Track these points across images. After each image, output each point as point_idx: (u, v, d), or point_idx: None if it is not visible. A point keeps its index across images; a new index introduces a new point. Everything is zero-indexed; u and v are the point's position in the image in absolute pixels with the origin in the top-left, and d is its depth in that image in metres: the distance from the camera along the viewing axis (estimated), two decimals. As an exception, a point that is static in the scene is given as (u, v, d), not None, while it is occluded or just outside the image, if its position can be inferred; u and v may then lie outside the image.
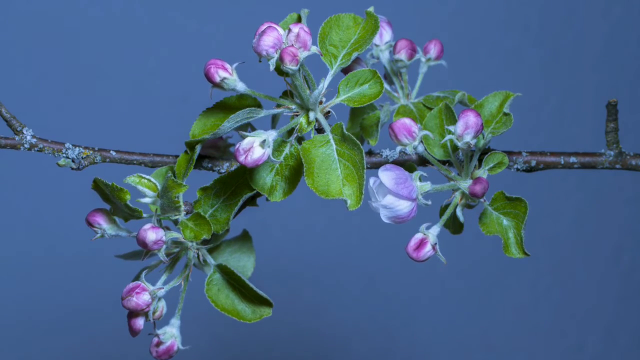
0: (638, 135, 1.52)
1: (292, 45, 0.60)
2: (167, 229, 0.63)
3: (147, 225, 0.62)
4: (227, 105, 0.66)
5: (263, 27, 0.60)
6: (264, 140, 0.60)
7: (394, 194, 0.61)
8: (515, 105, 0.65)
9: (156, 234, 0.62)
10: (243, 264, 0.69)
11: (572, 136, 1.57)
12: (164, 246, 0.62)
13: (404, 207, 0.61)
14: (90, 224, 0.65)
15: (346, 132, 0.60)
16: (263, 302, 0.64)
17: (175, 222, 0.64)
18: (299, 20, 0.64)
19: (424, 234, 0.63)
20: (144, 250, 0.63)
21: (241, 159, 0.60)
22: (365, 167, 0.60)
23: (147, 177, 0.63)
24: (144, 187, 0.63)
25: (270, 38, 0.60)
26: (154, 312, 0.64)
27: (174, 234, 0.63)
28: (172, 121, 1.37)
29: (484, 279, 1.57)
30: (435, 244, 0.63)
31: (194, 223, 0.63)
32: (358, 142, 0.60)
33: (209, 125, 0.65)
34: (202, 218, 0.63)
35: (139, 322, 0.64)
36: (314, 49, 0.61)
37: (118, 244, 0.70)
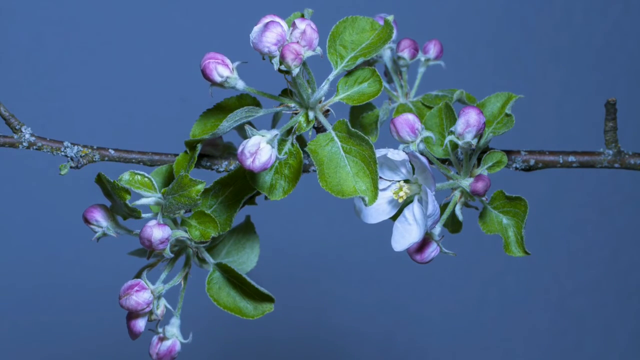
0: (637, 134, 1.52)
1: (297, 42, 0.57)
2: (167, 228, 0.61)
3: (152, 222, 0.59)
4: (227, 106, 0.65)
5: (265, 21, 0.57)
6: (271, 139, 0.58)
7: (431, 177, 0.58)
8: (515, 104, 0.64)
9: (162, 231, 0.58)
10: (247, 252, 0.68)
11: (571, 135, 1.57)
12: (168, 245, 0.59)
13: (436, 203, 0.58)
14: (87, 221, 0.62)
15: (352, 129, 0.59)
16: (265, 298, 0.64)
17: (175, 221, 0.63)
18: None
19: (426, 234, 0.62)
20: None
21: (247, 163, 0.57)
22: (376, 161, 0.58)
23: (142, 172, 0.61)
24: (138, 184, 0.61)
25: (274, 34, 0.57)
26: (156, 310, 0.61)
27: (180, 232, 0.61)
28: (172, 121, 1.37)
29: (483, 279, 1.56)
30: (442, 237, 0.61)
31: (198, 221, 0.62)
32: (366, 137, 0.58)
33: (209, 125, 0.64)
34: (206, 215, 0.62)
35: (140, 324, 0.62)
36: (319, 50, 0.58)
37: (117, 244, 0.69)
